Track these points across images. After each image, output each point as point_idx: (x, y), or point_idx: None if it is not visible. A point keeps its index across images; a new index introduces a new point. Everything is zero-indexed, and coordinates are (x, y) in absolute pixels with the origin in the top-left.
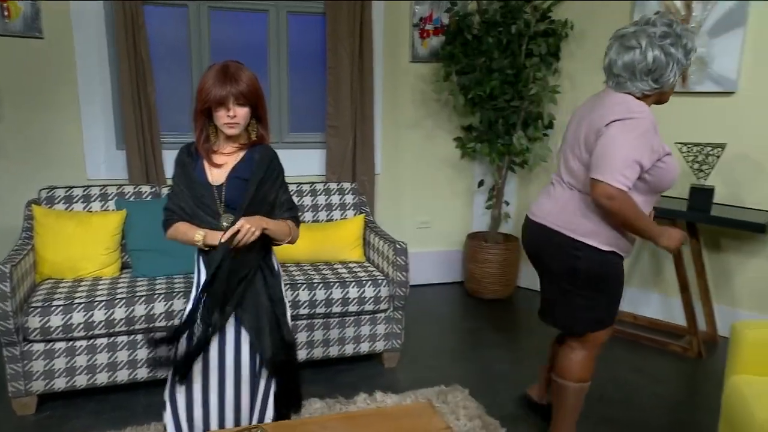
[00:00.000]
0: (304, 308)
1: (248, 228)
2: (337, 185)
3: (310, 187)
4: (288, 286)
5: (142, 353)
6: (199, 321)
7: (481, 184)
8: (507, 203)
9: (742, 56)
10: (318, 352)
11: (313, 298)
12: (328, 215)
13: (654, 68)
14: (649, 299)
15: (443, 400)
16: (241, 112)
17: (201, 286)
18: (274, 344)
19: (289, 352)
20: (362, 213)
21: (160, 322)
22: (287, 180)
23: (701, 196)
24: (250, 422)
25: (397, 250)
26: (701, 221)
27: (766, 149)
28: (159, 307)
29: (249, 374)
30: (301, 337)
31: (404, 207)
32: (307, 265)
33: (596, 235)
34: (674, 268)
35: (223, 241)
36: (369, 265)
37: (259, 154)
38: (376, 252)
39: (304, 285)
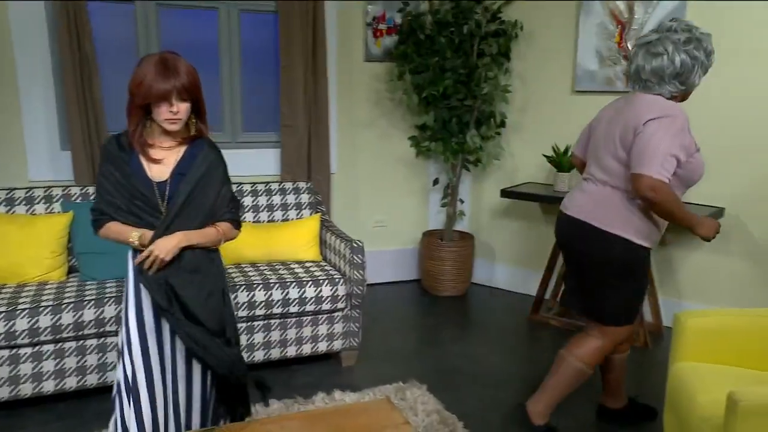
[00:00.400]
0: (261, 309)
1: (156, 256)
2: (293, 185)
3: (265, 186)
4: (244, 286)
5: (92, 359)
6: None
7: (435, 182)
8: (462, 201)
9: None
10: (275, 353)
11: (270, 299)
12: (283, 215)
13: (681, 71)
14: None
15: (401, 397)
16: (183, 107)
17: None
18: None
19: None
20: (318, 212)
21: (110, 326)
22: (242, 180)
23: None
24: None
25: (354, 249)
26: None
27: (709, 148)
28: (109, 311)
29: (200, 381)
30: (258, 337)
31: (360, 206)
32: (263, 265)
33: (629, 229)
34: None
35: (136, 264)
36: (326, 264)
37: (201, 150)
38: (333, 251)
39: (261, 285)
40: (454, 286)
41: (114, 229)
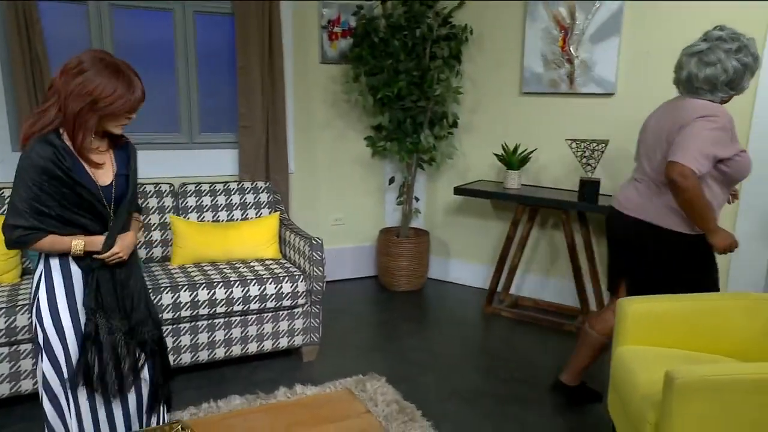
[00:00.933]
0: (222, 306)
1: (118, 256)
2: (252, 184)
3: (224, 186)
4: (204, 284)
5: None
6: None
7: (391, 181)
8: (417, 199)
9: (618, 61)
10: (237, 350)
11: (230, 296)
12: (242, 214)
13: (734, 78)
14: (547, 284)
15: (361, 389)
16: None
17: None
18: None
19: (159, 327)
20: (277, 211)
21: None
22: (201, 180)
23: (589, 187)
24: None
25: (313, 246)
26: (591, 211)
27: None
28: None
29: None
30: (219, 335)
31: (318, 205)
32: (223, 263)
33: (683, 223)
34: (568, 255)
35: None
36: (285, 261)
37: (126, 147)
38: (292, 248)
39: (221, 283)
40: (410, 282)
41: (48, 240)
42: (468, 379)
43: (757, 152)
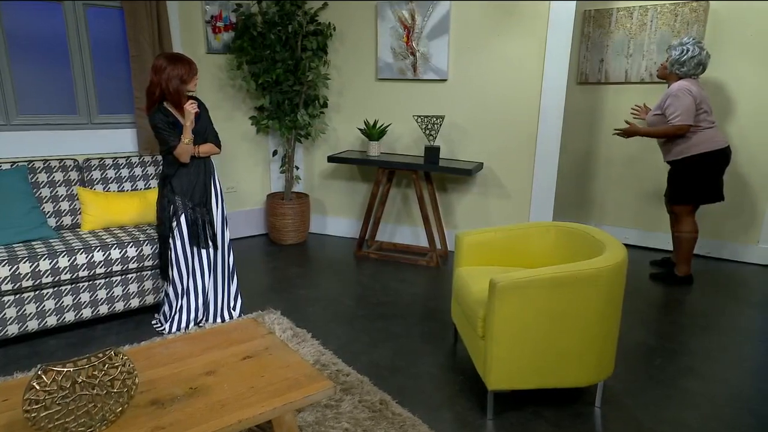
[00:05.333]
0: (133, 263)
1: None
2: (152, 158)
3: (126, 160)
4: (116, 245)
5: None
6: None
7: (275, 153)
8: (297, 168)
9: (449, 54)
10: (150, 299)
11: (141, 253)
12: (146, 184)
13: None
14: (403, 231)
15: (261, 321)
16: None
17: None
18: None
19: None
20: None
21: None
22: (104, 156)
23: (432, 153)
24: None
25: None
26: (434, 171)
27: (469, 120)
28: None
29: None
30: (132, 287)
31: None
32: (132, 227)
33: None
34: (419, 206)
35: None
36: None
37: (201, 105)
38: None
39: (132, 243)
40: (295, 236)
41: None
42: (345, 306)
43: (546, 109)
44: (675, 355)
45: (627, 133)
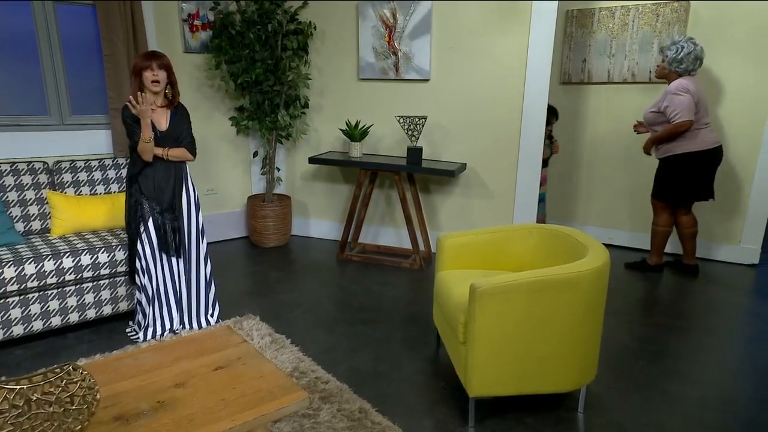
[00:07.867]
0: (105, 269)
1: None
2: (126, 159)
3: (99, 162)
4: (87, 250)
5: None
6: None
7: (255, 155)
8: (278, 169)
9: (431, 54)
10: (123, 306)
11: (113, 259)
12: (119, 187)
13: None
14: (387, 232)
15: (239, 327)
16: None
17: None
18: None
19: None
20: None
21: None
22: (76, 158)
23: (415, 153)
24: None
25: None
26: (417, 172)
27: (451, 121)
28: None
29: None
30: (105, 294)
31: (193, 178)
32: (105, 231)
33: None
34: (401, 208)
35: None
36: None
37: (177, 109)
38: None
39: (103, 248)
40: (277, 239)
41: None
42: (327, 310)
43: (529, 109)
44: (657, 357)
45: (645, 148)
